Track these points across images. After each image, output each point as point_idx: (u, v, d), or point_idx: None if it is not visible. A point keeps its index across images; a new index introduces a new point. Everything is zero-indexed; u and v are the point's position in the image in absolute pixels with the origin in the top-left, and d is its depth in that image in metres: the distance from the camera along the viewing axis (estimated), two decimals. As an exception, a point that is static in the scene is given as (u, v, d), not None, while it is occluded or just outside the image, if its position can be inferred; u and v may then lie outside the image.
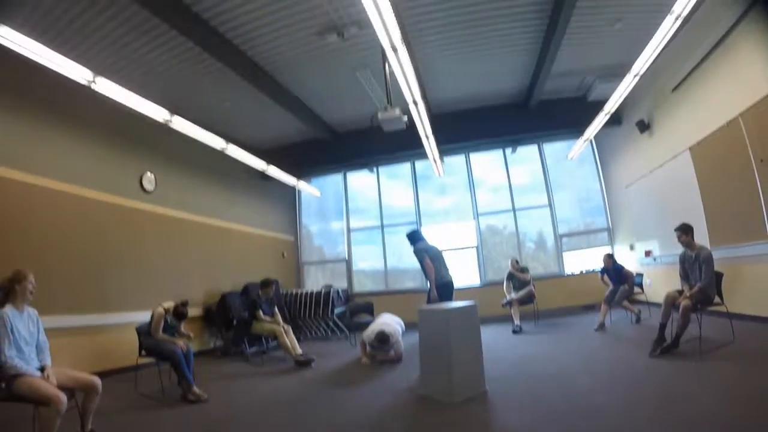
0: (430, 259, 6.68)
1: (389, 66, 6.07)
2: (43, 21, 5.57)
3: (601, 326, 7.46)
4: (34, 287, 3.87)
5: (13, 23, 4.72)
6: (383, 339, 6.56)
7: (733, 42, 5.97)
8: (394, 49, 5.37)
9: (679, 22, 5.57)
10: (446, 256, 7.11)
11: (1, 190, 5.70)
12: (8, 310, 3.68)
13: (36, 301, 3.92)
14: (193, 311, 8.05)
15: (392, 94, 7.00)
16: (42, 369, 3.73)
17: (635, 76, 6.97)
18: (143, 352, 5.62)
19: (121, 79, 6.04)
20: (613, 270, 8.16)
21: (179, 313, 6.05)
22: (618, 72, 7.70)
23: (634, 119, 8.87)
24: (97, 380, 3.87)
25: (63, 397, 3.47)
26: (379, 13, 4.70)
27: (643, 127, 8.62)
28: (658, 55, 6.33)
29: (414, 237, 7.16)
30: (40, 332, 3.96)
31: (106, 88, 5.78)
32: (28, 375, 3.58)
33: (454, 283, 7.00)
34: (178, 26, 5.96)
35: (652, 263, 8.75)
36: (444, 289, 6.71)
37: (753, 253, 5.87)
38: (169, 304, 5.98)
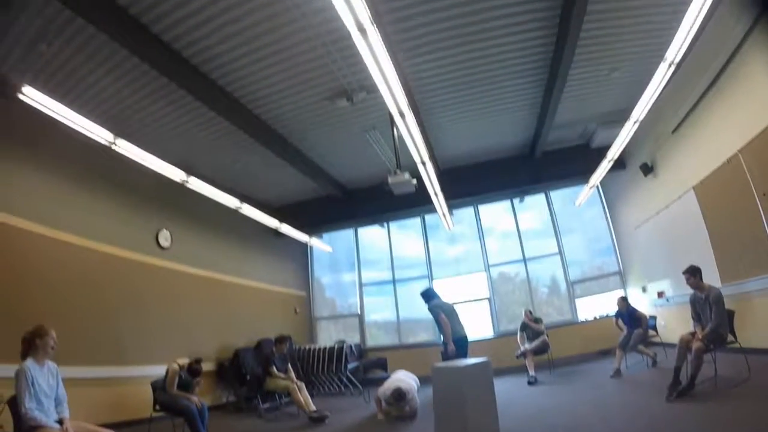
0: (445, 315, 6.84)
1: (397, 130, 6.36)
2: (66, 84, 5.86)
3: (617, 372, 7.32)
4: (56, 343, 3.99)
5: (40, 86, 5.02)
6: (400, 396, 6.49)
7: (725, 83, 6.14)
8: (402, 115, 5.69)
9: (672, 69, 5.79)
10: (459, 310, 7.31)
11: (27, 244, 5.91)
12: (29, 363, 3.78)
13: (57, 352, 4.01)
14: (207, 366, 7.96)
15: (401, 155, 7.30)
16: (60, 421, 3.79)
17: (635, 122, 7.17)
18: (157, 407, 5.64)
19: (139, 140, 6.33)
20: (627, 313, 8.09)
21: (193, 370, 6.09)
22: (619, 118, 7.87)
23: (637, 163, 9.00)
24: None
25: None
26: (386, 82, 5.01)
27: (647, 169, 8.73)
28: (656, 100, 6.53)
29: (428, 295, 7.45)
30: (60, 385, 4.04)
31: (126, 149, 6.07)
32: (47, 427, 3.64)
33: (468, 337, 7.17)
34: (195, 91, 6.26)
35: (665, 304, 8.68)
36: (458, 344, 6.85)
37: (763, 286, 5.85)
38: (184, 361, 6.04)
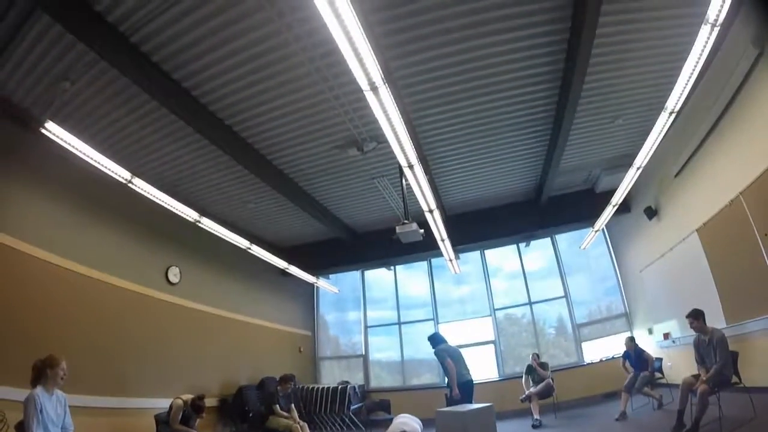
0: (451, 360, 6.93)
1: (406, 180, 6.55)
2: (86, 121, 6.07)
3: (623, 415, 7.26)
4: (66, 373, 4.06)
5: (61, 121, 5.23)
6: None
7: (725, 127, 6.27)
8: (410, 167, 5.92)
9: (673, 117, 5.96)
10: (465, 354, 7.39)
11: (43, 272, 6.06)
12: (39, 391, 3.85)
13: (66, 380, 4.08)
14: (209, 401, 7.96)
15: (409, 203, 7.51)
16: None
17: (638, 168, 7.31)
18: (159, 440, 5.66)
19: (154, 180, 6.60)
20: (634, 354, 8.06)
21: (196, 406, 6.12)
22: (623, 163, 8.04)
23: (642, 206, 9.07)
24: None
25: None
26: (396, 136, 5.25)
27: (651, 213, 8.81)
28: (658, 146, 6.69)
29: (435, 339, 7.58)
30: (67, 415, 4.11)
31: (142, 187, 6.29)
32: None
33: (474, 380, 7.22)
34: (211, 136, 6.49)
35: (671, 345, 8.60)
36: (464, 387, 6.91)
37: (766, 326, 5.86)
38: (188, 397, 6.07)
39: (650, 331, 9.68)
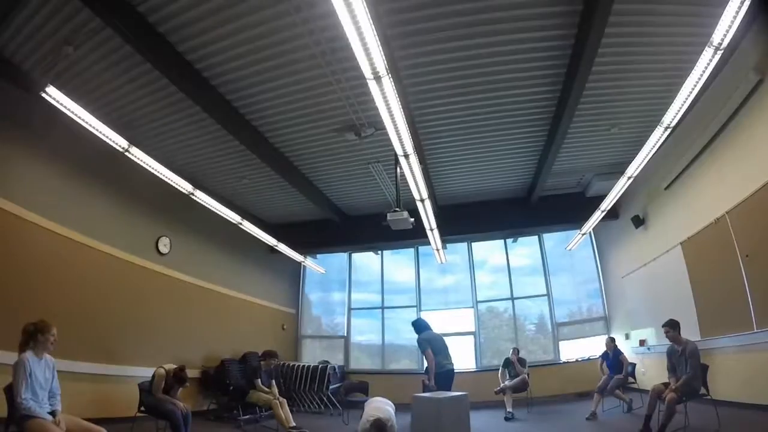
0: (432, 350, 6.98)
1: (400, 168, 6.63)
2: (86, 87, 6.09)
3: (593, 415, 7.46)
4: (56, 339, 4.11)
5: (61, 85, 5.25)
6: (380, 428, 6.48)
7: (719, 146, 6.41)
8: (406, 156, 5.99)
9: (668, 132, 6.07)
10: (448, 342, 7.44)
11: (34, 236, 6.12)
12: (29, 355, 3.91)
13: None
14: (192, 373, 8.07)
15: (401, 192, 7.58)
16: (53, 413, 3.91)
17: (629, 178, 7.43)
18: (142, 408, 5.76)
19: (151, 149, 6.66)
20: (612, 354, 8.26)
21: (178, 377, 6.19)
22: (615, 170, 8.17)
23: (629, 214, 9.24)
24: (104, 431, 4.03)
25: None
26: (394, 125, 5.33)
27: (638, 222, 8.97)
28: (651, 158, 6.81)
29: (418, 326, 7.55)
30: (55, 379, 4.17)
31: (139, 157, 6.33)
32: (39, 418, 3.76)
33: (455, 369, 7.28)
34: (210, 110, 6.50)
35: (646, 352, 8.83)
36: (443, 376, 6.97)
37: (739, 343, 6.05)
38: (170, 367, 6.15)
39: (627, 336, 9.92)
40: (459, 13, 5.14)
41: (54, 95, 5.15)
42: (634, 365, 8.27)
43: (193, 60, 5.72)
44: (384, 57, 4.18)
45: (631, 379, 8.11)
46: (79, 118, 5.46)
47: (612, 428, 6.85)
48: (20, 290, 5.75)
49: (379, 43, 3.98)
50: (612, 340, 8.59)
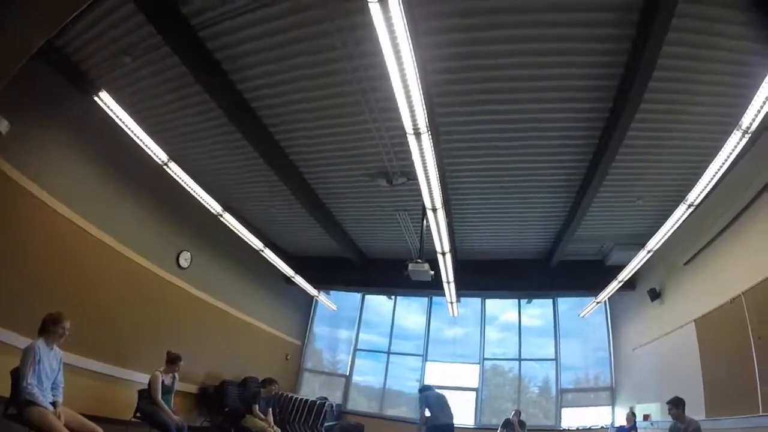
0: (428, 406, 7.53)
1: (426, 221, 6.83)
2: (136, 97, 6.31)
3: None
4: (67, 331, 4.23)
5: (113, 92, 5.55)
6: None
7: (741, 226, 6.43)
8: (434, 210, 6.21)
9: (691, 210, 6.15)
10: (448, 398, 7.85)
11: (65, 230, 6.32)
12: (40, 342, 4.02)
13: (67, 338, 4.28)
14: (190, 388, 8.36)
15: (424, 243, 7.75)
16: (54, 404, 3.99)
17: (649, 251, 7.48)
18: (138, 414, 5.81)
19: (187, 166, 6.96)
20: (629, 428, 8.08)
21: (173, 357, 6.30)
22: (636, 241, 8.14)
23: (646, 287, 9.17)
24: (100, 430, 4.08)
25: (69, 435, 3.71)
26: (427, 180, 5.55)
27: (654, 295, 8.90)
28: (672, 233, 6.87)
29: (422, 388, 8.19)
30: (60, 371, 4.28)
31: (175, 171, 6.63)
32: (41, 406, 3.84)
33: (453, 425, 7.55)
34: (252, 139, 6.77)
35: (649, 427, 8.58)
36: (439, 429, 7.39)
37: (744, 425, 5.89)
38: (163, 367, 6.24)
39: (632, 410, 9.69)
40: (499, 78, 5.37)
41: (106, 100, 5.44)
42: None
43: (243, 89, 5.99)
44: (426, 115, 4.35)
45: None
46: (126, 126, 5.75)
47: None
48: (46, 280, 5.93)
49: (423, 100, 4.16)
50: (633, 414, 8.42)
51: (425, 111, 4.30)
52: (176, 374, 6.34)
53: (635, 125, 5.56)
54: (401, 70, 3.83)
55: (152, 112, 6.63)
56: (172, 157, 6.50)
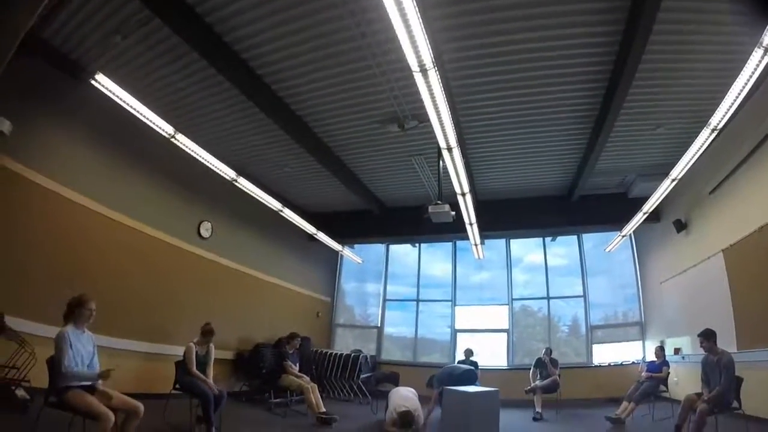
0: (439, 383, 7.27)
1: (442, 161, 6.68)
2: (134, 75, 6.29)
3: (619, 421, 7.32)
4: (92, 313, 4.27)
5: (110, 73, 5.49)
6: (409, 420, 6.45)
7: (765, 152, 6.21)
8: (449, 149, 6.04)
9: (715, 134, 5.90)
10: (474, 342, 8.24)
11: (85, 219, 6.50)
12: (69, 328, 4.09)
13: (98, 322, 4.36)
14: (226, 354, 8.58)
15: (442, 185, 7.66)
16: (92, 387, 4.10)
17: (673, 180, 7.27)
18: (177, 386, 6.01)
19: (197, 136, 6.90)
20: (659, 363, 8.05)
21: (207, 330, 6.44)
22: (659, 171, 7.96)
23: (671, 218, 8.99)
24: (141, 406, 4.17)
25: (112, 415, 3.81)
26: (439, 118, 5.37)
27: (680, 226, 8.74)
28: (696, 160, 6.64)
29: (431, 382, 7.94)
30: (95, 354, 4.34)
31: (183, 143, 6.58)
32: (80, 392, 3.95)
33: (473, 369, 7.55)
34: (256, 100, 6.69)
35: (680, 361, 8.59)
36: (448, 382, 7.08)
37: (777, 357, 5.89)
38: (197, 339, 6.38)
39: (662, 344, 9.70)
40: (506, 7, 5.12)
41: (103, 82, 5.39)
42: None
43: (239, 50, 5.87)
44: (430, 49, 4.21)
45: (663, 388, 7.95)
46: (128, 105, 5.71)
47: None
48: (70, 270, 6.11)
49: (425, 35, 4.01)
50: (662, 348, 8.38)
51: (429, 45, 4.15)
52: (211, 345, 6.47)
53: (650, 47, 5.30)
54: (399, 5, 3.69)
55: (153, 87, 6.60)
56: (179, 129, 6.46)
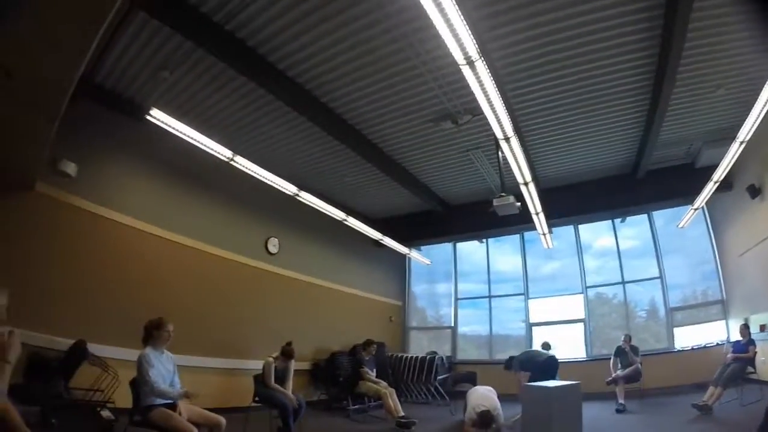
0: (521, 367, 7.76)
1: (501, 152, 6.64)
2: (187, 106, 6.75)
3: (706, 408, 6.94)
4: (171, 334, 4.51)
5: (164, 107, 5.81)
6: (488, 420, 6.38)
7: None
8: (506, 139, 6.00)
9: (778, 89, 5.56)
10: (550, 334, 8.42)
11: (154, 247, 7.00)
12: (148, 350, 4.35)
13: (176, 342, 4.61)
14: (303, 365, 8.80)
15: (504, 177, 7.58)
16: (175, 404, 4.33)
17: (741, 143, 6.86)
18: (257, 399, 6.25)
19: (254, 156, 7.14)
20: (745, 343, 7.60)
21: (287, 352, 6.63)
22: (726, 135, 7.57)
23: (744, 184, 8.50)
24: (223, 420, 4.37)
25: (196, 431, 4.02)
26: (492, 109, 5.35)
27: (755, 192, 8.22)
28: (763, 118, 6.22)
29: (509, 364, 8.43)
30: (176, 374, 4.57)
31: (243, 164, 6.88)
32: (168, 401, 4.19)
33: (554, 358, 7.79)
34: (307, 113, 6.95)
35: (767, 339, 8.10)
36: (538, 372, 7.41)
37: None
38: (276, 354, 6.59)
39: (746, 321, 9.17)
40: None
41: (157, 116, 5.71)
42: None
43: (285, 68, 6.15)
44: (474, 41, 4.22)
45: (750, 369, 7.51)
46: (184, 134, 6.03)
47: (728, 423, 6.38)
48: (141, 295, 6.53)
49: (467, 27, 4.03)
50: (746, 327, 7.92)
51: (472, 36, 4.16)
52: (291, 362, 6.67)
53: (697, 4, 5.06)
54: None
55: (207, 114, 7.02)
56: (237, 152, 6.74)
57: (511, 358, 8.21)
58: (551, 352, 9.12)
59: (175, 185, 7.48)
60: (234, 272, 8.21)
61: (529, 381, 7.07)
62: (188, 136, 6.06)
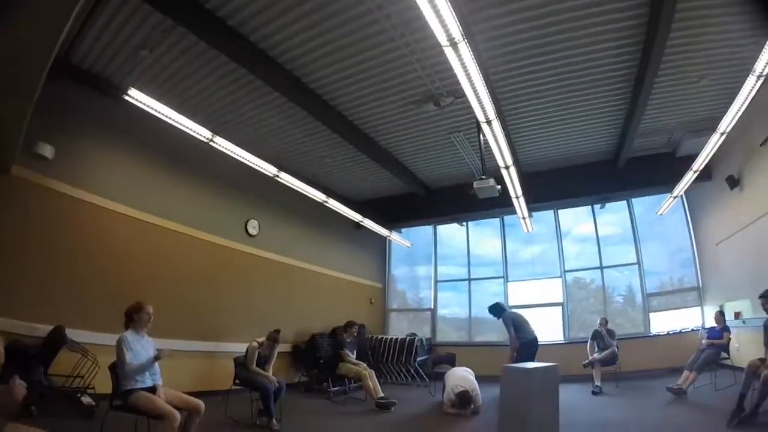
0: (514, 327, 7.68)
1: (483, 136, 6.61)
2: (166, 86, 6.59)
3: (680, 391, 7.11)
4: (151, 317, 4.49)
5: (143, 87, 5.70)
6: (466, 400, 6.65)
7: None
8: (488, 122, 5.97)
9: (761, 81, 5.59)
10: (529, 316, 8.21)
11: (130, 229, 6.87)
12: (128, 334, 4.31)
13: (155, 326, 4.58)
14: (284, 347, 8.70)
15: (485, 160, 7.56)
16: (154, 387, 4.30)
17: (722, 134, 6.93)
18: (237, 381, 6.23)
19: (233, 137, 7.04)
20: (720, 329, 7.74)
21: (275, 338, 6.62)
22: (707, 126, 7.63)
23: (724, 174, 8.62)
24: (202, 404, 4.37)
25: (177, 414, 4.00)
26: (474, 92, 5.31)
27: (733, 182, 8.35)
28: (745, 111, 6.30)
29: (497, 309, 8.26)
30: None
31: (222, 145, 6.76)
32: (141, 392, 4.14)
33: (538, 339, 7.84)
34: (288, 94, 6.85)
35: (741, 326, 8.20)
36: (528, 345, 7.54)
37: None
38: (262, 339, 6.56)
39: (721, 309, 9.35)
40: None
41: (136, 96, 5.60)
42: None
43: (266, 47, 6.00)
44: (458, 22, 4.17)
45: (724, 355, 7.67)
46: (163, 115, 5.92)
47: (701, 406, 6.56)
48: (125, 279, 6.47)
49: (451, 7, 3.98)
50: (721, 314, 8.06)
51: (456, 18, 4.11)
52: (275, 346, 6.67)
53: None
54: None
55: (186, 95, 6.88)
56: (217, 132, 6.64)
57: (498, 304, 8.30)
58: None
59: (154, 167, 7.34)
60: (213, 254, 8.13)
61: (517, 354, 7.38)
62: (167, 117, 5.95)
